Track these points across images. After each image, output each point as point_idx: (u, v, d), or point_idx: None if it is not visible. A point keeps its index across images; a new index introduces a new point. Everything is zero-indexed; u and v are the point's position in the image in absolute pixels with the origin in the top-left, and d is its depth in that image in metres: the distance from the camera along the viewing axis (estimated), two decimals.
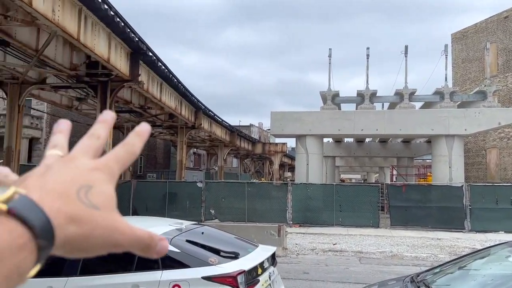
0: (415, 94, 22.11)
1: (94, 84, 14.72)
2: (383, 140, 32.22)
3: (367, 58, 22.43)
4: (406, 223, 17.74)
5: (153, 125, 24.66)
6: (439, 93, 21.94)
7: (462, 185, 17.78)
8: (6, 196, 0.44)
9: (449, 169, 19.90)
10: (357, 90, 22.36)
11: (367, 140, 33.13)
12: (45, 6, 9.73)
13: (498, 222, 16.79)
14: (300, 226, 17.80)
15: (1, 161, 15.01)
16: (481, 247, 10.05)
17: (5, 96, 16.57)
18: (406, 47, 22.52)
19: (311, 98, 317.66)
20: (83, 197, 0.47)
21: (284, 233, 12.28)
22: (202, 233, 5.71)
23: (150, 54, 15.96)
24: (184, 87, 21.29)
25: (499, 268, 4.01)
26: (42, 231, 0.44)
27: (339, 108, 23.02)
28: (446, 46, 22.96)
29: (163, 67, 17.86)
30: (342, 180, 53.05)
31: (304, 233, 16.20)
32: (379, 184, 20.70)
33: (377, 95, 22.33)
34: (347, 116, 21.12)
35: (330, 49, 22.85)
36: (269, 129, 36.66)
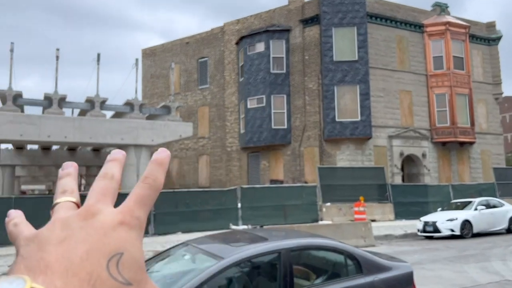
0: (106, 103, 22.17)
1: None
2: (72, 148, 30.75)
3: (57, 60, 20.93)
4: None
5: None
6: (129, 104, 22.79)
7: None
8: None
9: (137, 177, 20.85)
10: (45, 93, 20.48)
11: (54, 147, 30.79)
12: None
13: (176, 224, 18.72)
14: None
15: None
16: (162, 249, 10.89)
17: None
18: (99, 55, 22.35)
19: None
20: (115, 273, 0.38)
21: None
22: None
23: None
24: None
25: (176, 266, 4.36)
26: None
27: (22, 111, 20.47)
28: (137, 60, 24.17)
29: None
30: (23, 192, 47.32)
31: None
32: None
33: (66, 100, 21.13)
34: (32, 120, 19.01)
35: (12, 43, 20.05)
36: None
